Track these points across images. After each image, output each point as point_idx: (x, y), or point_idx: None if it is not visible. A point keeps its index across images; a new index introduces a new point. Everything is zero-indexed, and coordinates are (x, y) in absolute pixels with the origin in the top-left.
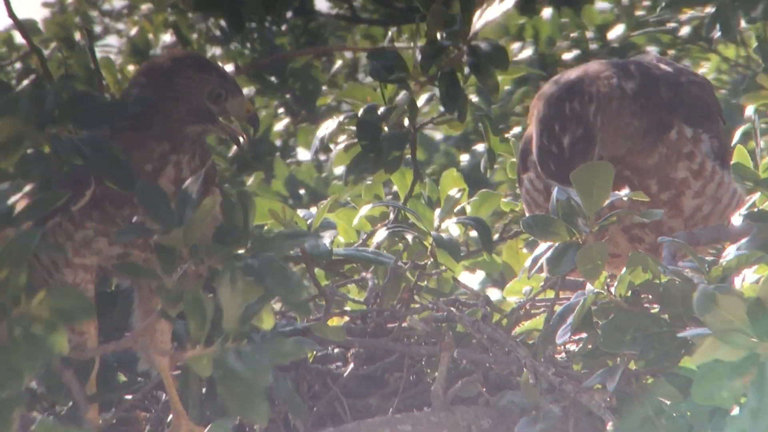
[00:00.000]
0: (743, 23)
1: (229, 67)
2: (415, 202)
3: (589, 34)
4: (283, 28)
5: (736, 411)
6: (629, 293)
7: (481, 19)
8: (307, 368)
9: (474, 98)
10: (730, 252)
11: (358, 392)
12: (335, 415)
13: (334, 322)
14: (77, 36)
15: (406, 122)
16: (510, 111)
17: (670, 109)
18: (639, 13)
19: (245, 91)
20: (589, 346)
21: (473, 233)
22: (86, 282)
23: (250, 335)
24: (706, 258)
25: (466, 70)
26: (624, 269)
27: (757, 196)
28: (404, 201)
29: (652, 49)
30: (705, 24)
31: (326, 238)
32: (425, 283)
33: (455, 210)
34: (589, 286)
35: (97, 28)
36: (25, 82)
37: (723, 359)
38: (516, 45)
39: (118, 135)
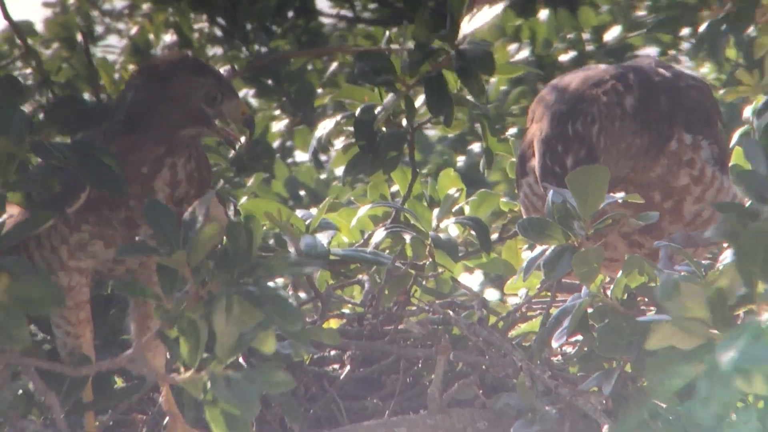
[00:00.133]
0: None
1: (226, 69)
2: (414, 202)
3: (586, 35)
4: (284, 28)
5: (734, 416)
6: (625, 296)
7: (471, 23)
8: (303, 370)
9: (470, 98)
10: (728, 255)
11: (355, 394)
12: (332, 418)
13: (331, 324)
14: (79, 36)
15: (404, 122)
16: (506, 111)
17: (670, 118)
18: (641, 13)
19: (242, 93)
20: (585, 349)
21: (472, 232)
22: (81, 285)
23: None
24: (703, 261)
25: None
26: (620, 272)
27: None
28: (403, 201)
29: (652, 51)
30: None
31: (324, 238)
32: (424, 283)
33: (453, 210)
34: (585, 289)
35: (99, 29)
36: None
37: (679, 346)
38: (513, 46)
39: (114, 138)
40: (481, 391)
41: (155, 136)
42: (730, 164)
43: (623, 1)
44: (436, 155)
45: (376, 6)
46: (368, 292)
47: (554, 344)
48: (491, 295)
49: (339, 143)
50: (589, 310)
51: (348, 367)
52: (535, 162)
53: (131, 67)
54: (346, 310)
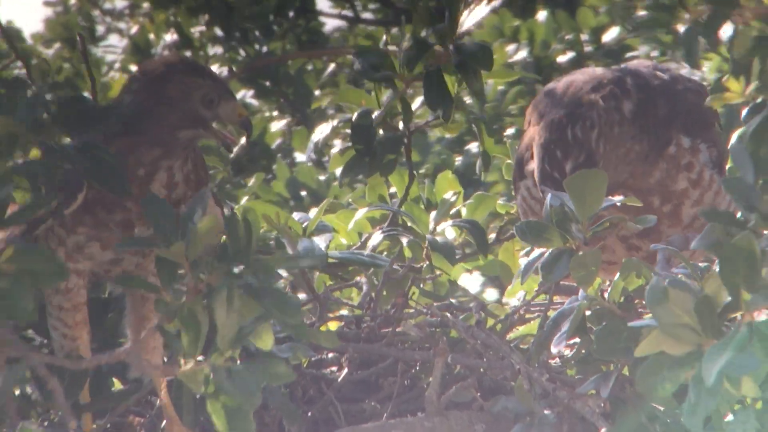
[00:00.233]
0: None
1: (224, 71)
2: (411, 204)
3: (584, 36)
4: (284, 28)
5: (729, 417)
6: (623, 299)
7: (469, 18)
8: (301, 373)
9: (468, 100)
10: None
11: (353, 397)
12: (329, 420)
13: (329, 327)
14: (78, 37)
15: (401, 125)
16: (504, 111)
17: (668, 122)
18: (641, 12)
19: (240, 94)
20: (583, 352)
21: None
22: (79, 287)
23: (243, 353)
24: (701, 263)
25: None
26: (617, 275)
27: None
28: (400, 204)
29: (653, 52)
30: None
31: (322, 241)
32: (421, 286)
33: (451, 213)
34: (582, 292)
35: (100, 28)
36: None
37: (669, 352)
38: (511, 47)
39: (111, 140)
40: (479, 394)
41: (152, 138)
42: (727, 167)
43: (622, 2)
44: (434, 155)
45: (376, 6)
46: (366, 295)
47: (553, 349)
48: (491, 294)
49: (336, 145)
50: (587, 313)
51: (346, 370)
52: (534, 166)
53: (132, 66)
54: (344, 312)
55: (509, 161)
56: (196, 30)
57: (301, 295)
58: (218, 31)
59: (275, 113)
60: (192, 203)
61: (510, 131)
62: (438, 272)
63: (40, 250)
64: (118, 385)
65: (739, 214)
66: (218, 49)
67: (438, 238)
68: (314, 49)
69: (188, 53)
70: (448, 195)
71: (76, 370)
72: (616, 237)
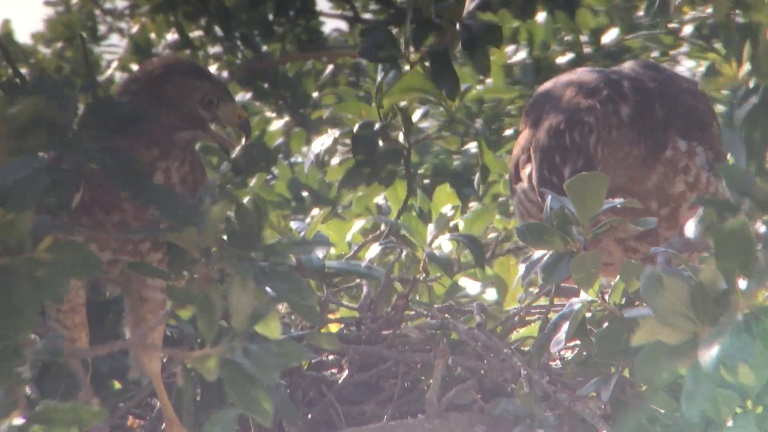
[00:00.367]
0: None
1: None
2: (409, 217)
3: (584, 37)
4: (284, 28)
5: (730, 423)
6: (623, 301)
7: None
8: (301, 375)
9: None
10: None
11: (353, 399)
12: (330, 422)
13: (330, 328)
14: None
15: (401, 138)
16: (502, 112)
17: (665, 125)
18: (640, 13)
19: (239, 96)
20: (584, 354)
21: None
22: (77, 288)
23: (255, 338)
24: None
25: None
26: (618, 277)
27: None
28: (398, 215)
29: (653, 53)
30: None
31: (320, 252)
32: (417, 298)
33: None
34: (583, 294)
35: (101, 28)
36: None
37: (665, 341)
38: (510, 48)
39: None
40: (479, 396)
41: (150, 139)
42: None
43: (621, 3)
44: (432, 155)
45: (377, 7)
46: (366, 297)
47: (553, 349)
48: (492, 294)
49: (334, 151)
50: (587, 315)
51: (346, 372)
52: (532, 170)
53: (131, 65)
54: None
55: (506, 177)
56: (195, 34)
57: None
58: (218, 32)
59: (274, 115)
60: (201, 191)
61: (509, 132)
62: (438, 275)
63: (76, 244)
64: (117, 386)
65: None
66: (218, 48)
67: (436, 252)
68: (314, 50)
69: (188, 53)
70: (446, 209)
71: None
72: (614, 239)
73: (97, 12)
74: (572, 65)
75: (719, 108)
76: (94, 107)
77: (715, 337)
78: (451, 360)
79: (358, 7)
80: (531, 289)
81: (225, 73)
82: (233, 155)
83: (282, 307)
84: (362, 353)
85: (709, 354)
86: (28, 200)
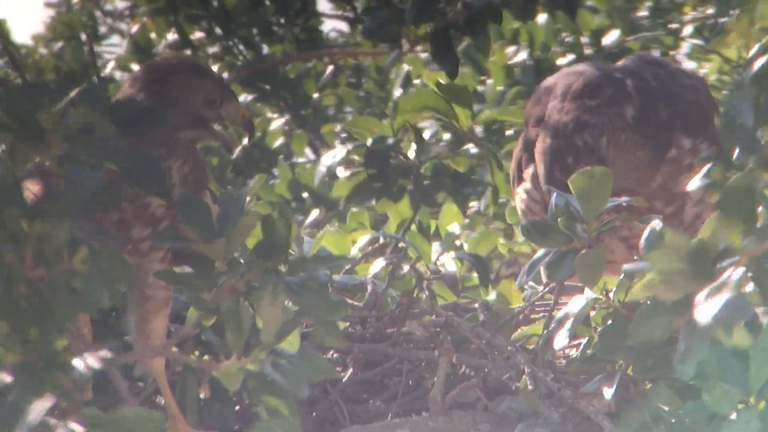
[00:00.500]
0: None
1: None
2: (415, 234)
3: (584, 39)
4: (285, 29)
5: (734, 416)
6: (627, 298)
7: None
8: None
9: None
10: None
11: (357, 397)
12: (334, 420)
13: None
14: (83, 36)
15: (411, 155)
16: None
17: (669, 125)
18: (642, 13)
19: (240, 98)
20: (588, 352)
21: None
22: None
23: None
24: None
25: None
26: (622, 274)
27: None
28: (403, 233)
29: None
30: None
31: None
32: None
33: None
34: (587, 291)
35: (101, 29)
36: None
37: (662, 298)
38: (511, 49)
39: None
40: (483, 394)
41: (152, 138)
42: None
43: (622, 4)
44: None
45: (377, 8)
46: (371, 295)
47: (556, 346)
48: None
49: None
50: (592, 313)
51: (350, 370)
52: (533, 170)
53: (131, 65)
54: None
55: (513, 203)
56: (196, 36)
57: None
58: (218, 33)
59: (276, 116)
60: (227, 201)
61: (509, 132)
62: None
63: (111, 253)
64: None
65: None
66: (219, 49)
67: (441, 269)
68: (313, 49)
69: (188, 53)
70: (453, 227)
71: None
72: (617, 237)
73: (98, 14)
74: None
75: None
76: (113, 107)
77: (712, 295)
78: (456, 358)
79: (359, 8)
80: (533, 284)
81: (226, 74)
82: (233, 156)
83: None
84: (367, 351)
85: (704, 311)
86: (79, 210)
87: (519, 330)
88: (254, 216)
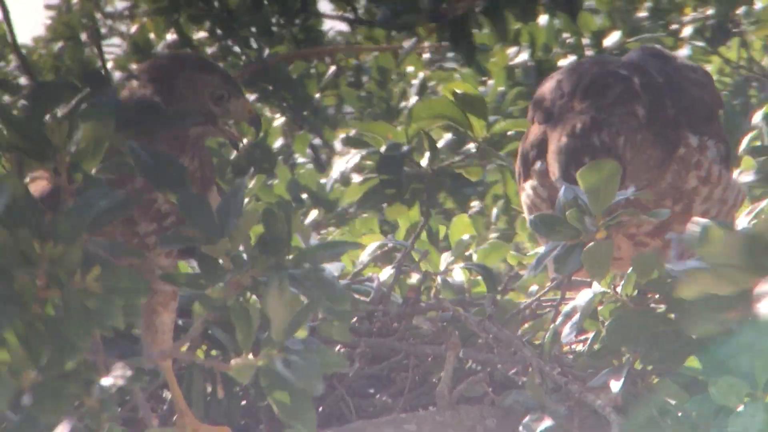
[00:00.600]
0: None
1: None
2: (425, 242)
3: (586, 40)
4: (283, 27)
5: (740, 408)
6: (635, 292)
7: None
8: None
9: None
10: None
11: (364, 392)
12: (341, 415)
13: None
14: (83, 36)
15: (424, 163)
16: (504, 112)
17: (676, 122)
18: (642, 14)
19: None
20: (595, 346)
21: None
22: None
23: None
24: None
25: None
26: (630, 268)
27: (765, 203)
28: (413, 241)
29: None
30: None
31: (334, 270)
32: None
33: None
34: (595, 286)
35: (101, 30)
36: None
37: (715, 293)
38: (512, 50)
39: None
40: (490, 389)
41: (162, 136)
42: (738, 170)
43: (623, 6)
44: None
45: (377, 9)
46: (378, 290)
47: (564, 340)
48: None
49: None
50: (599, 307)
51: (357, 365)
52: (552, 170)
53: (130, 65)
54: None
55: (524, 215)
56: (198, 36)
57: None
58: (220, 34)
59: (278, 116)
60: (227, 198)
61: (510, 133)
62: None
63: (124, 269)
64: None
65: None
66: (217, 48)
67: (449, 279)
68: (313, 47)
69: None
70: (465, 237)
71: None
72: (624, 234)
73: (98, 15)
74: None
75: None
76: (134, 107)
77: None
78: (462, 352)
79: (360, 9)
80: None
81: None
82: (236, 154)
83: None
84: (373, 346)
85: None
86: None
87: (525, 325)
88: (254, 212)
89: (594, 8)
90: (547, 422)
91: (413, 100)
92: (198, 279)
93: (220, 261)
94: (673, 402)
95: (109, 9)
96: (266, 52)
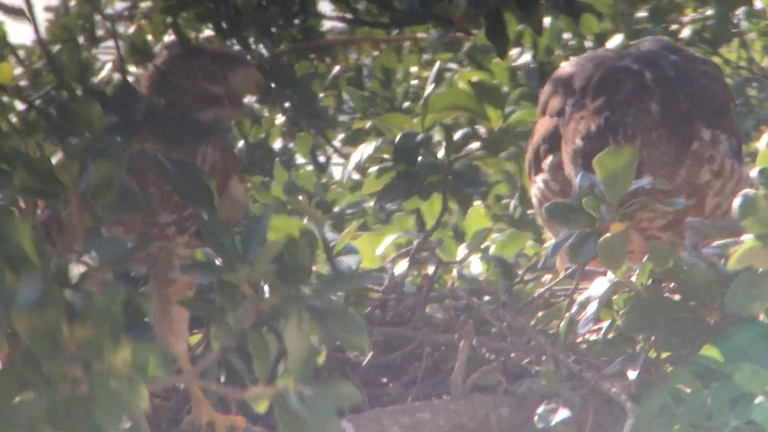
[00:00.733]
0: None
1: None
2: (442, 232)
3: (588, 43)
4: (284, 29)
5: (760, 398)
6: (650, 282)
7: None
8: (326, 356)
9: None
10: None
11: (377, 380)
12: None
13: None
14: (81, 39)
15: (441, 154)
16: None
17: (689, 118)
18: (641, 14)
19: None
20: (610, 336)
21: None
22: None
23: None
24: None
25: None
26: (645, 258)
27: None
28: (431, 232)
29: None
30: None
31: (352, 263)
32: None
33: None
34: (610, 275)
35: (99, 32)
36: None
37: (762, 266)
38: (514, 51)
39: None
40: (504, 377)
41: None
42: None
43: (625, 9)
44: None
45: (378, 10)
46: (391, 279)
47: (580, 330)
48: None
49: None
50: (614, 297)
51: (371, 353)
52: (568, 171)
53: (129, 66)
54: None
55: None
56: (204, 35)
57: None
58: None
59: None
60: (250, 226)
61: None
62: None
63: (150, 342)
64: None
65: None
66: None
67: (465, 272)
68: (313, 49)
69: None
70: (481, 229)
71: None
72: (635, 228)
73: (98, 17)
74: None
75: None
76: (159, 118)
77: None
78: (476, 341)
79: (361, 10)
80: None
81: None
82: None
83: None
84: (387, 335)
85: None
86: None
87: (539, 314)
88: (277, 240)
89: (597, 11)
90: (563, 413)
91: (429, 89)
92: (216, 307)
93: (240, 286)
94: (687, 390)
95: (108, 11)
96: (266, 52)
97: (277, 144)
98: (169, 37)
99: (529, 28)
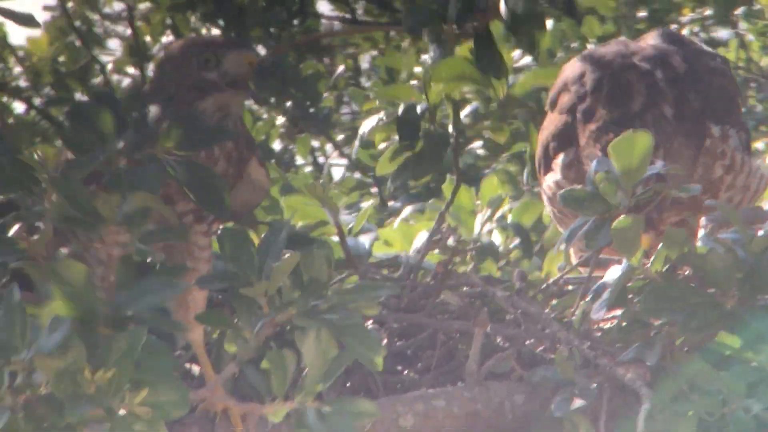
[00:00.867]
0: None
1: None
2: (459, 207)
3: (590, 45)
4: (284, 29)
5: None
6: (665, 269)
7: None
8: (340, 344)
9: None
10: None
11: (392, 368)
12: (368, 391)
13: None
14: (77, 42)
15: (450, 128)
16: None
17: (701, 115)
18: (642, 14)
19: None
20: (624, 324)
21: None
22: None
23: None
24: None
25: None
26: (660, 245)
27: None
28: (446, 207)
29: None
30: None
31: (366, 240)
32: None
33: (496, 218)
34: (624, 262)
35: (98, 32)
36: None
37: None
38: (516, 53)
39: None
40: (518, 365)
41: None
42: None
43: (627, 11)
44: None
45: (378, 11)
46: (406, 266)
47: (594, 316)
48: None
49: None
50: (629, 284)
51: (385, 340)
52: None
53: (128, 68)
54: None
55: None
56: (211, 33)
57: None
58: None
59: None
60: (267, 239)
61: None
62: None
63: (168, 385)
64: None
65: None
66: None
67: (483, 240)
68: (311, 51)
69: None
70: (495, 197)
71: None
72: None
73: (96, 17)
74: None
75: None
76: (176, 121)
77: None
78: (491, 328)
79: (359, 10)
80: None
81: None
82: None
83: None
84: (401, 322)
85: None
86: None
87: (553, 301)
88: (295, 255)
89: (599, 14)
90: (579, 402)
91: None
92: (234, 322)
93: (257, 299)
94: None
95: (107, 11)
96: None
97: (277, 145)
98: (167, 38)
99: None
